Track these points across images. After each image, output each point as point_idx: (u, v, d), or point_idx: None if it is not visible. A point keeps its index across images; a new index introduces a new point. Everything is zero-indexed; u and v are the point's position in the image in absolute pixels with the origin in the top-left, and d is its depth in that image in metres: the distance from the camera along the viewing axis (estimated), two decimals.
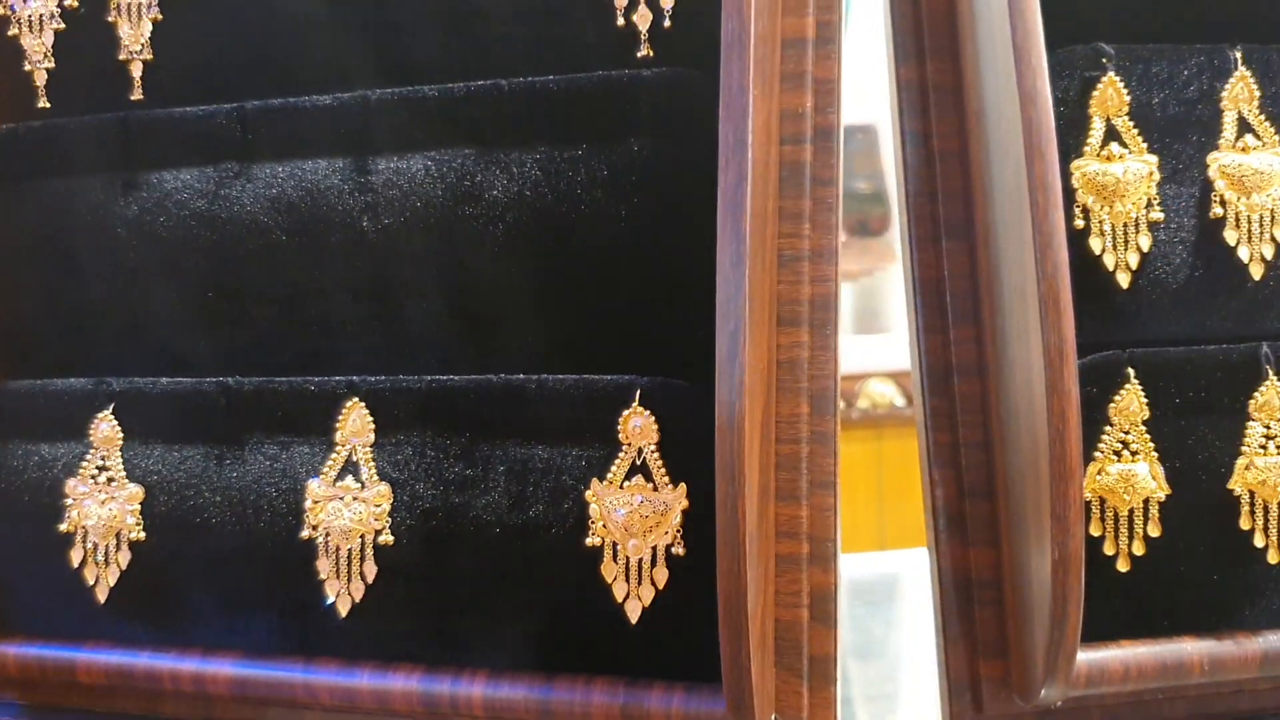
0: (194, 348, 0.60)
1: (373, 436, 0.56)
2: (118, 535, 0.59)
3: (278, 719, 0.59)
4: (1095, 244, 0.56)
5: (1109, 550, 0.55)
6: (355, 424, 0.56)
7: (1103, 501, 0.55)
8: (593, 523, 0.53)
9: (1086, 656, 0.53)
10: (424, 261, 0.57)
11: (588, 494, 0.53)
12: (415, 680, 0.55)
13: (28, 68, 0.64)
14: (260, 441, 0.58)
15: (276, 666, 0.57)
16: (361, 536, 0.55)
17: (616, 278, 0.56)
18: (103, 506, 0.59)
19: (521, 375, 0.55)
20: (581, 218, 0.56)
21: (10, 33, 0.64)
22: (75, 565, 0.59)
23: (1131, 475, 0.54)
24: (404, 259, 0.57)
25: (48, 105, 0.63)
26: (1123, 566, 0.55)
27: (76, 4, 0.63)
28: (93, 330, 0.62)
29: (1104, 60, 0.56)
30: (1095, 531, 0.55)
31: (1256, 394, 0.55)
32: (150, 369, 0.61)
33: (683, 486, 0.52)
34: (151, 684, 0.59)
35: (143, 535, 0.58)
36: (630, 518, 0.52)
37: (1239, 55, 0.58)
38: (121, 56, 0.62)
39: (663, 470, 0.52)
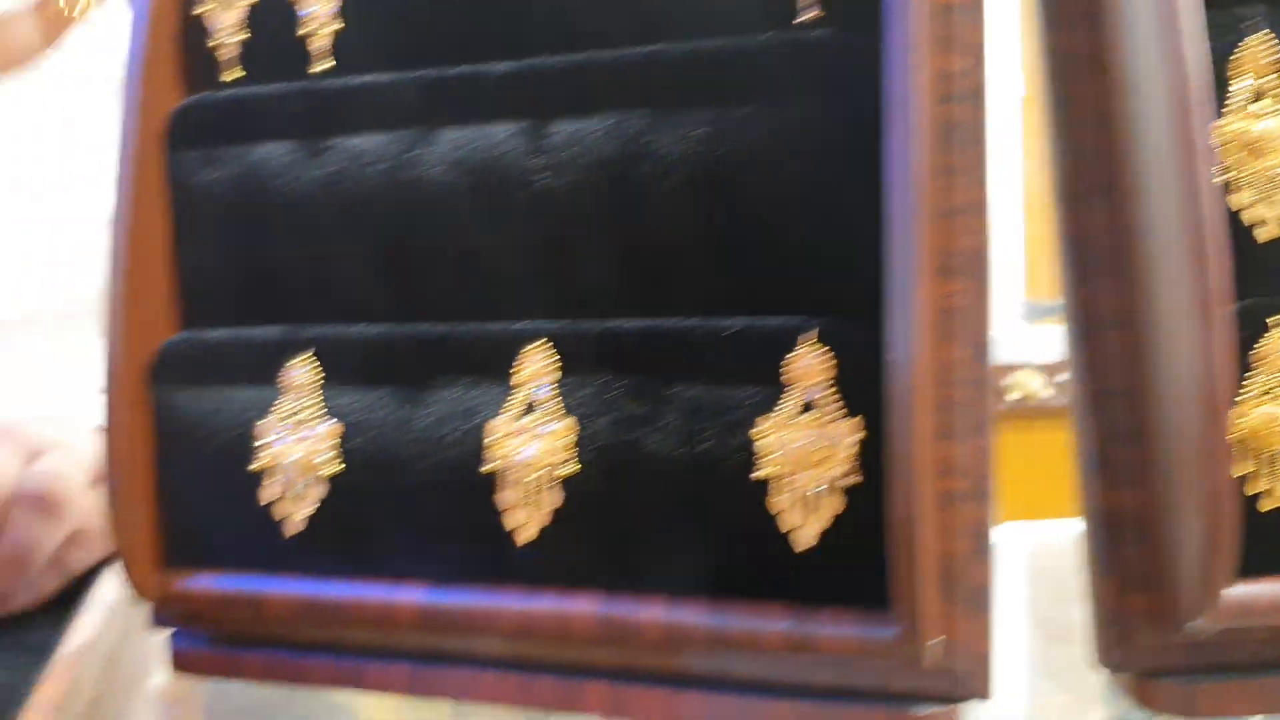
0: (379, 300, 0.65)
1: (554, 377, 0.60)
2: (311, 472, 0.63)
3: (456, 646, 0.63)
4: (1239, 199, 0.58)
5: (1256, 489, 0.57)
6: (537, 365, 0.60)
7: (1249, 442, 0.57)
8: (763, 457, 0.56)
9: (1234, 591, 0.56)
10: (599, 216, 0.61)
11: (754, 431, 0.57)
12: (595, 605, 0.58)
13: (216, 41, 0.69)
14: (447, 383, 0.62)
15: (462, 594, 0.61)
16: (543, 469, 0.58)
17: (783, 229, 0.59)
18: (297, 446, 0.63)
19: (694, 319, 0.59)
20: (749, 173, 0.59)
21: (201, 9, 0.69)
22: (267, 501, 0.64)
23: (1277, 417, 0.57)
24: (580, 214, 0.61)
25: (240, 74, 0.68)
26: (1269, 505, 0.57)
27: None
28: (282, 284, 0.66)
29: (1249, 22, 0.59)
30: (1243, 471, 0.57)
31: None
32: (338, 319, 0.65)
33: (857, 419, 0.55)
34: (339, 614, 0.63)
35: (335, 471, 0.63)
36: (800, 451, 0.55)
37: None
38: (310, 28, 0.67)
39: (834, 405, 0.56)
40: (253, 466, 0.64)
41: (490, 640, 0.63)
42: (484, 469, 0.60)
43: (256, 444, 0.64)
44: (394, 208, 0.64)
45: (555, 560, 0.59)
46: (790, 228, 0.59)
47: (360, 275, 0.65)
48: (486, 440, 0.60)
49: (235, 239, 0.67)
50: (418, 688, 0.64)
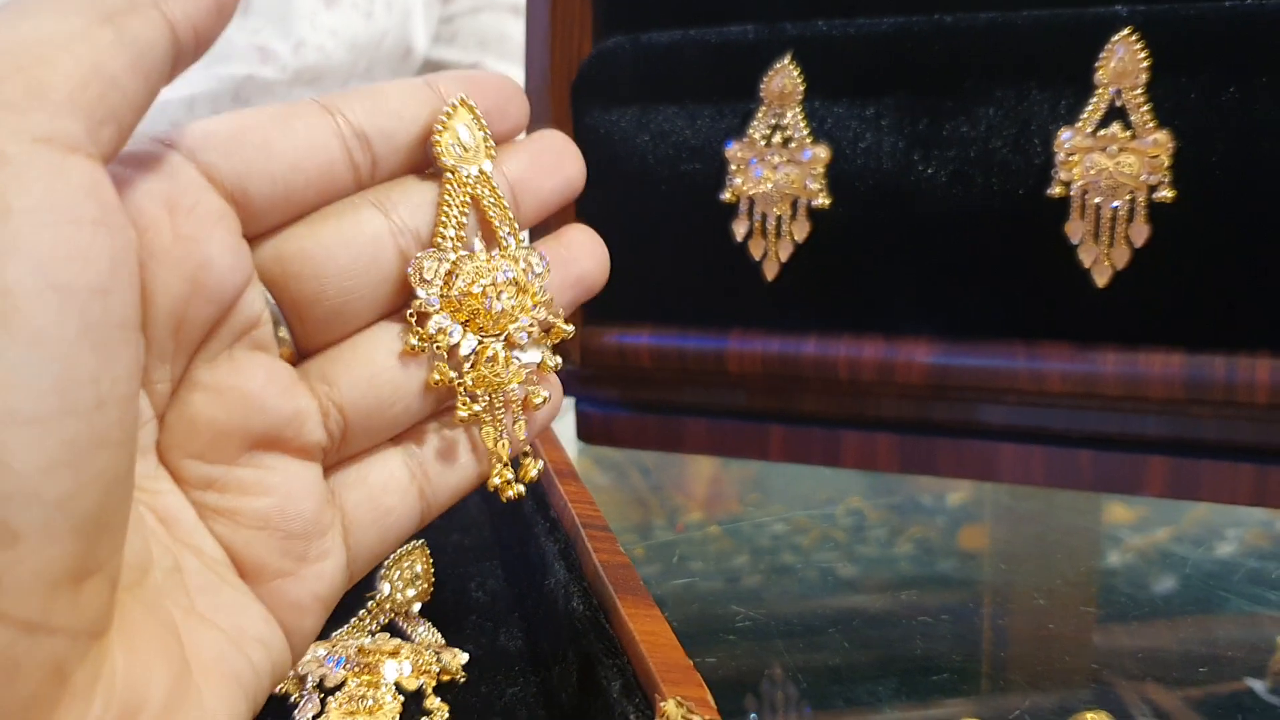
0: None
1: (1144, 77, 0.47)
2: (794, 203, 0.52)
3: (956, 415, 0.53)
4: None
5: None
6: (1122, 63, 0.47)
7: None
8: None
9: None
10: None
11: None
12: (1176, 364, 0.47)
13: None
14: (986, 88, 0.49)
15: (986, 352, 0.50)
16: (1131, 193, 0.46)
17: None
18: (776, 171, 0.52)
19: None
20: None
21: None
22: (739, 239, 0.53)
23: None
24: None
25: None
26: None
27: None
28: None
29: None
30: None
31: None
32: (823, 14, 0.53)
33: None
34: (821, 372, 0.53)
35: (826, 202, 0.51)
36: None
37: None
38: None
39: None
40: (723, 196, 0.53)
41: (1001, 408, 0.52)
42: (1050, 192, 0.48)
43: (730, 169, 0.53)
44: None
45: (1131, 311, 0.48)
46: None
47: None
48: (1057, 157, 0.47)
49: None
50: (908, 463, 0.54)
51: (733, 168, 0.53)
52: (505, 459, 0.31)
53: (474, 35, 1.11)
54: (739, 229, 0.53)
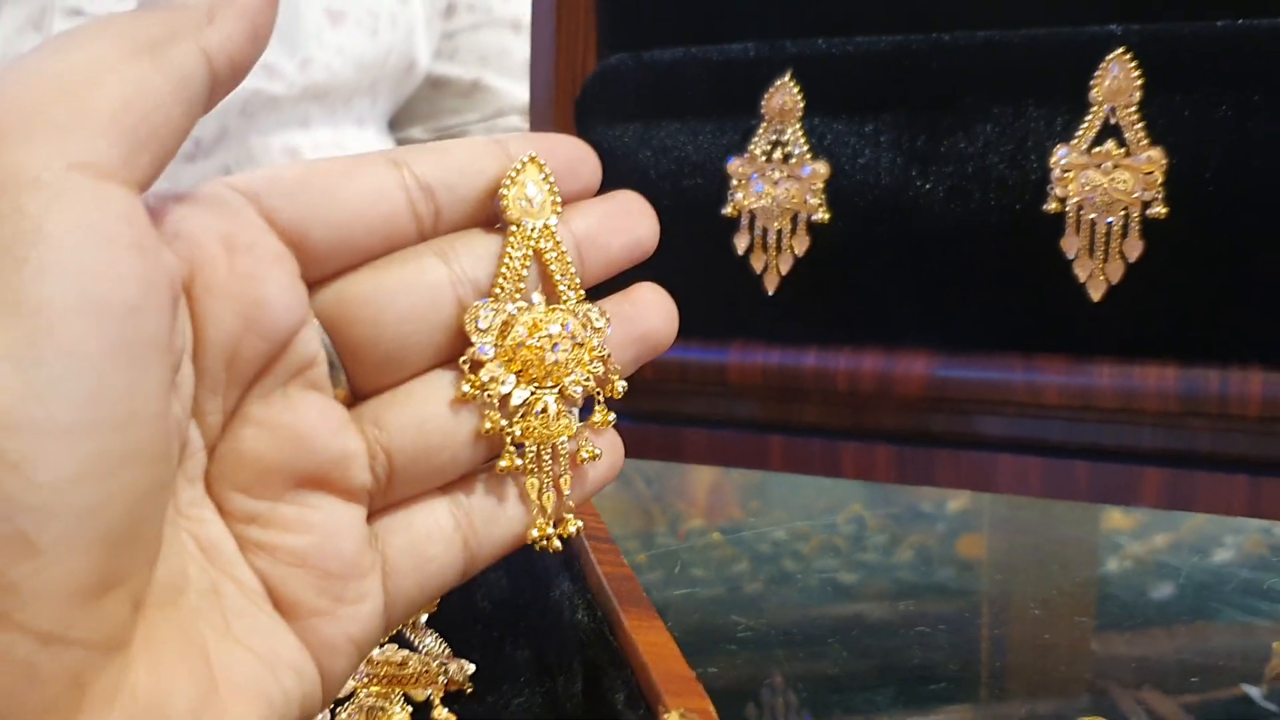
0: (877, 6, 0.53)
1: (1138, 95, 0.48)
2: (794, 218, 0.53)
3: (958, 425, 0.54)
4: None
5: None
6: (1116, 81, 0.48)
7: None
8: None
9: None
10: None
11: None
12: (1172, 377, 0.48)
13: None
14: (984, 105, 0.50)
15: (984, 364, 0.51)
16: (1125, 209, 0.47)
17: None
18: (776, 186, 0.53)
19: None
20: None
21: None
22: (740, 253, 0.54)
23: None
24: None
25: None
26: None
27: None
28: None
29: None
30: None
31: None
32: (823, 32, 0.53)
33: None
34: (821, 384, 0.54)
35: (826, 216, 0.52)
36: None
37: None
38: None
39: None
40: (725, 211, 0.54)
41: (999, 420, 0.53)
42: (1046, 208, 0.48)
43: (731, 184, 0.54)
44: None
45: (1126, 324, 0.49)
46: None
47: None
48: (1053, 174, 0.48)
49: None
50: (907, 474, 0.55)
51: (734, 183, 0.54)
52: (548, 511, 0.31)
53: (474, 51, 1.12)
54: (740, 243, 0.54)
